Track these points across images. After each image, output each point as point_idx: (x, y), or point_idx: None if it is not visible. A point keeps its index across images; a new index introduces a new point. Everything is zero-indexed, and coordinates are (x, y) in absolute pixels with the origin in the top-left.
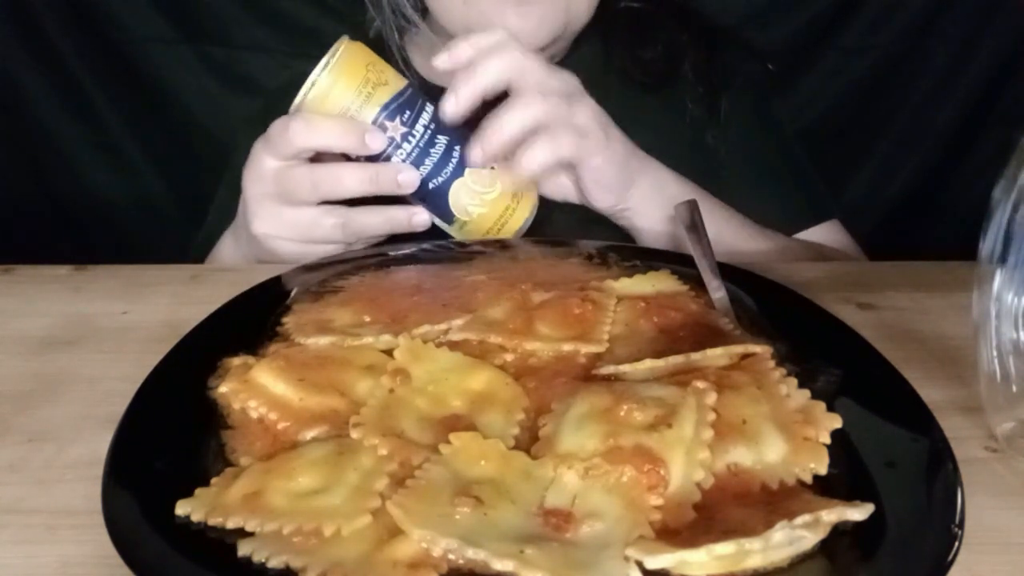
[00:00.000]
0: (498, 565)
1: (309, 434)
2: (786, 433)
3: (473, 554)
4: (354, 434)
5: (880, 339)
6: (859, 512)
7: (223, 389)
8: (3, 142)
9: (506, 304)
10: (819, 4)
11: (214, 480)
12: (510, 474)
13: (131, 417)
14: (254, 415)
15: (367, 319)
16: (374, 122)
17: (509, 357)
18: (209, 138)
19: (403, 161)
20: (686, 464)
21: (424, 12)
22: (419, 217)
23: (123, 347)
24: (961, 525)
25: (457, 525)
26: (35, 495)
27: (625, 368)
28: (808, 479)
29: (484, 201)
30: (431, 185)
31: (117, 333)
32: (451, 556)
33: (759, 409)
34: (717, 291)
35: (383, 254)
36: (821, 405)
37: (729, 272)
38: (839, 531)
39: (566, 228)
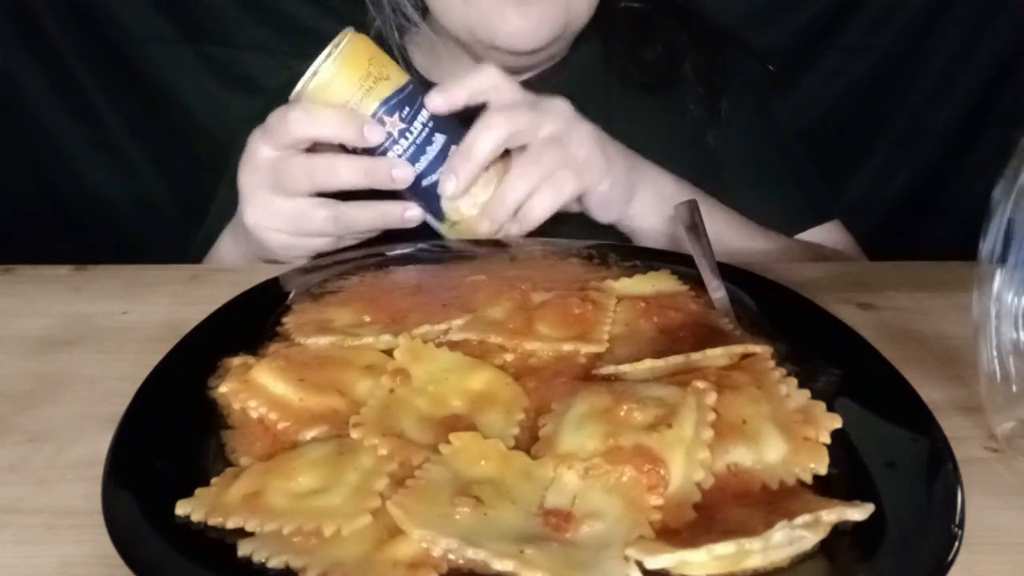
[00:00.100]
0: (498, 565)
1: (309, 434)
2: (786, 433)
3: (473, 554)
4: (354, 434)
5: (880, 339)
6: (859, 512)
7: (223, 389)
8: (3, 142)
9: (506, 304)
10: (819, 4)
11: (214, 480)
12: (510, 474)
13: (131, 417)
14: (254, 415)
15: (367, 319)
16: (373, 116)
17: (509, 357)
18: (209, 138)
19: (399, 157)
20: (686, 464)
21: (424, 11)
22: (411, 212)
23: (123, 347)
24: (961, 525)
25: (457, 525)
26: (35, 495)
27: (625, 368)
28: (808, 479)
29: (476, 203)
30: (425, 182)
31: (117, 333)
32: (451, 556)
33: (759, 409)
34: (717, 291)
35: (383, 254)
36: (821, 405)
37: (729, 272)
38: (839, 531)
39: (564, 229)
